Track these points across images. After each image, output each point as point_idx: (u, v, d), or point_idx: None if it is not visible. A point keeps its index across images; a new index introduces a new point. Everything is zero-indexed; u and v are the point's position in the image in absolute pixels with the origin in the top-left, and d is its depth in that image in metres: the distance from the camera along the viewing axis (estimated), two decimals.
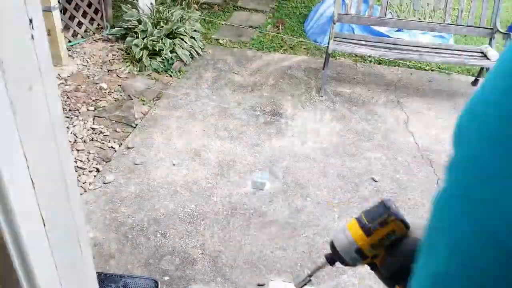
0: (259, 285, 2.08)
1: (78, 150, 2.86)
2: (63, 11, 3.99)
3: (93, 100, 3.41)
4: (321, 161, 2.97)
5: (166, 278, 2.08)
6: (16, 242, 0.74)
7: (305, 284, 0.97)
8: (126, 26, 4.22)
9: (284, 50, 4.68)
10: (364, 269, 2.20)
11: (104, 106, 3.36)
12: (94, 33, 4.43)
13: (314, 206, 2.58)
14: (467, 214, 0.36)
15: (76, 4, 4.15)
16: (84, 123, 3.13)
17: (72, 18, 4.15)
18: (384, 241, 0.79)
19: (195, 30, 4.47)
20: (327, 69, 3.92)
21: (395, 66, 4.50)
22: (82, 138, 2.98)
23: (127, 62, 3.98)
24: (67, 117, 3.18)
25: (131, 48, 3.98)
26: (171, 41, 4.01)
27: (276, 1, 6.00)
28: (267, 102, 3.65)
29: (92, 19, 4.42)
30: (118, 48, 4.20)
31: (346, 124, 3.44)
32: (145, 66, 3.92)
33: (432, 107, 3.78)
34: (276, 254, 2.25)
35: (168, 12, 4.24)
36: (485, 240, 0.34)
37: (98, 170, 2.74)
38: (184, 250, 2.24)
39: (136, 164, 2.82)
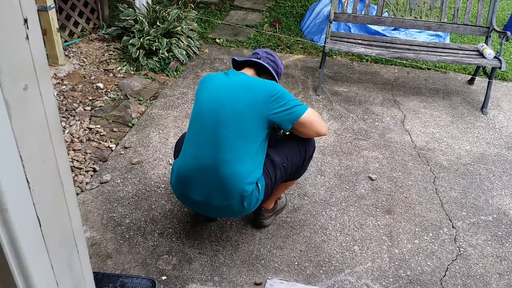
0: (256, 283, 2.08)
1: (74, 150, 2.86)
2: (59, 10, 3.98)
3: (90, 100, 3.41)
4: (318, 159, 2.97)
5: (164, 277, 2.08)
6: (12, 242, 0.74)
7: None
8: (122, 26, 4.21)
9: (281, 49, 4.69)
10: (361, 268, 2.21)
11: (100, 106, 3.35)
12: (90, 33, 4.42)
13: (312, 205, 2.59)
14: None
15: (72, 3, 4.14)
16: (80, 123, 3.12)
17: (68, 17, 4.13)
18: None
19: (191, 30, 4.47)
20: (323, 68, 3.93)
21: (391, 65, 4.51)
22: (78, 138, 2.98)
23: (123, 61, 3.98)
24: (64, 117, 3.17)
25: (127, 47, 3.97)
26: (167, 40, 4.00)
27: (273, 0, 6.00)
28: None
29: (88, 19, 4.41)
30: (115, 48, 4.20)
31: (343, 123, 3.45)
32: (142, 65, 3.91)
33: (428, 106, 3.79)
34: (273, 252, 2.26)
35: (165, 12, 4.24)
36: None
37: (95, 170, 2.73)
38: (181, 250, 2.24)
39: (133, 164, 2.82)
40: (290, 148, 2.13)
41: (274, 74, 2.16)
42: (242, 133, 1.92)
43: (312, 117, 2.02)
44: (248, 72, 2.13)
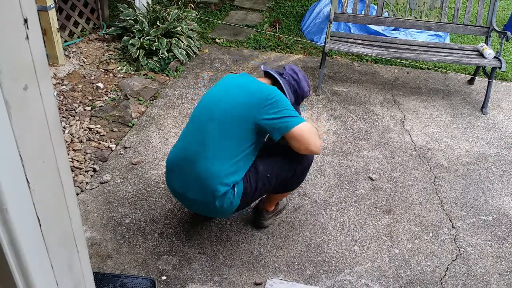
0: (256, 283, 2.08)
1: (74, 150, 2.86)
2: (59, 10, 3.97)
3: (90, 100, 3.41)
4: (318, 159, 2.97)
5: (164, 277, 2.09)
6: (12, 242, 0.74)
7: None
8: (122, 26, 4.21)
9: (281, 49, 4.69)
10: (361, 268, 2.21)
11: (100, 106, 3.35)
12: (90, 33, 4.42)
13: (311, 205, 2.59)
14: None
15: (72, 3, 4.14)
16: (80, 123, 3.12)
17: (68, 17, 4.13)
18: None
19: (191, 30, 4.47)
20: (323, 68, 3.93)
21: (391, 65, 4.51)
22: (78, 138, 2.98)
23: (123, 61, 3.98)
24: (64, 117, 3.17)
25: (127, 47, 3.97)
26: (167, 40, 4.00)
27: (273, 0, 6.00)
28: None
29: (88, 19, 4.41)
30: (115, 48, 4.19)
31: (343, 123, 3.45)
32: (142, 65, 3.91)
33: (428, 106, 3.79)
34: (273, 253, 2.26)
35: (165, 12, 4.24)
36: None
37: (95, 170, 2.73)
38: (181, 250, 2.24)
39: (133, 164, 2.82)
40: (279, 160, 2.07)
41: (287, 92, 2.08)
42: (228, 133, 1.91)
43: (305, 132, 1.89)
44: (263, 81, 2.11)
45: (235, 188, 1.94)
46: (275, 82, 2.12)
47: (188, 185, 1.98)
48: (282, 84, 2.08)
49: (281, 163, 2.07)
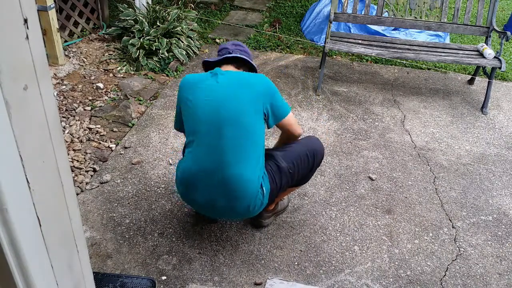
0: (256, 283, 2.08)
1: (74, 150, 2.86)
2: (59, 10, 3.98)
3: (90, 100, 3.41)
4: None
5: (164, 277, 2.09)
6: (12, 242, 0.74)
7: None
8: (122, 26, 4.21)
9: (280, 49, 4.69)
10: (361, 268, 2.21)
11: (100, 106, 3.35)
12: (90, 33, 4.42)
13: (311, 205, 2.59)
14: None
15: (72, 3, 4.14)
16: (80, 123, 3.12)
17: (68, 17, 4.14)
18: None
19: (191, 30, 4.47)
20: (323, 68, 3.93)
21: (391, 65, 4.51)
22: (78, 138, 2.98)
23: (123, 61, 3.98)
24: (64, 117, 3.17)
25: (127, 47, 3.97)
26: (167, 40, 4.00)
27: (273, 0, 6.00)
28: None
29: (88, 19, 4.41)
30: (115, 48, 4.19)
31: (343, 123, 3.45)
32: (142, 65, 3.91)
33: (428, 106, 3.79)
34: (273, 253, 2.26)
35: (165, 12, 4.24)
36: None
37: (95, 170, 2.73)
38: (181, 250, 2.24)
39: (133, 164, 2.82)
40: (298, 155, 2.11)
41: (254, 64, 2.16)
42: (245, 132, 1.91)
43: (293, 118, 2.08)
44: (230, 68, 2.08)
45: (263, 188, 1.97)
46: (240, 64, 2.13)
47: (216, 195, 1.96)
48: (252, 62, 2.14)
49: (301, 158, 2.11)
